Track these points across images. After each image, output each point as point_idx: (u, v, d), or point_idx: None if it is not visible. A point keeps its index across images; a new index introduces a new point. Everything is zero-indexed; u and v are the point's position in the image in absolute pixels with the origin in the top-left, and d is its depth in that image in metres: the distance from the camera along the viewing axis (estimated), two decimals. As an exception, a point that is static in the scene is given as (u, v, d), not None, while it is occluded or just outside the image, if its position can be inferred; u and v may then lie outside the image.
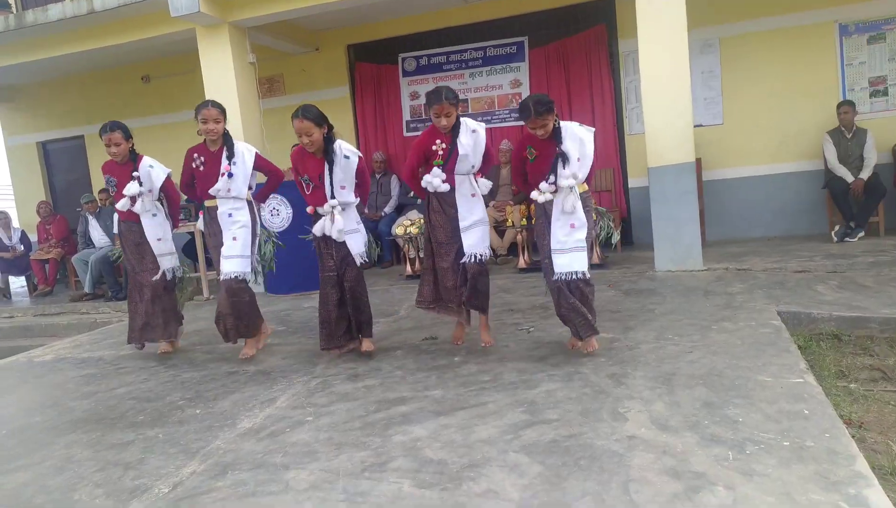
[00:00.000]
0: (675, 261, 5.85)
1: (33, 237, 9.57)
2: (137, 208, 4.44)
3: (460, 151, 3.83)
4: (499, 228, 7.41)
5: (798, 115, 7.17)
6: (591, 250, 3.74)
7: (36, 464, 2.90)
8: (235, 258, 4.22)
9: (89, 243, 8.50)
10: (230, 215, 4.25)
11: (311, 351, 4.40)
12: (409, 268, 7.07)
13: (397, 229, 7.31)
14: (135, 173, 4.40)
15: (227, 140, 4.27)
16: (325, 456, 2.65)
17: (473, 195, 3.96)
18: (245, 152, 4.31)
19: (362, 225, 4.19)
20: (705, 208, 7.12)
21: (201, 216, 4.49)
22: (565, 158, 3.52)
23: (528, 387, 3.23)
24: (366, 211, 8.15)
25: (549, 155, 3.56)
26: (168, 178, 4.60)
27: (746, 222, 7.47)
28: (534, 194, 3.62)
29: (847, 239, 6.47)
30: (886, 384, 3.41)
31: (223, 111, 4.27)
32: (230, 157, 4.21)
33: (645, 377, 3.20)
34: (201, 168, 4.27)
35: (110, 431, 3.23)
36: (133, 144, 4.49)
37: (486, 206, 4.22)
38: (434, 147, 3.87)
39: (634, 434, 2.57)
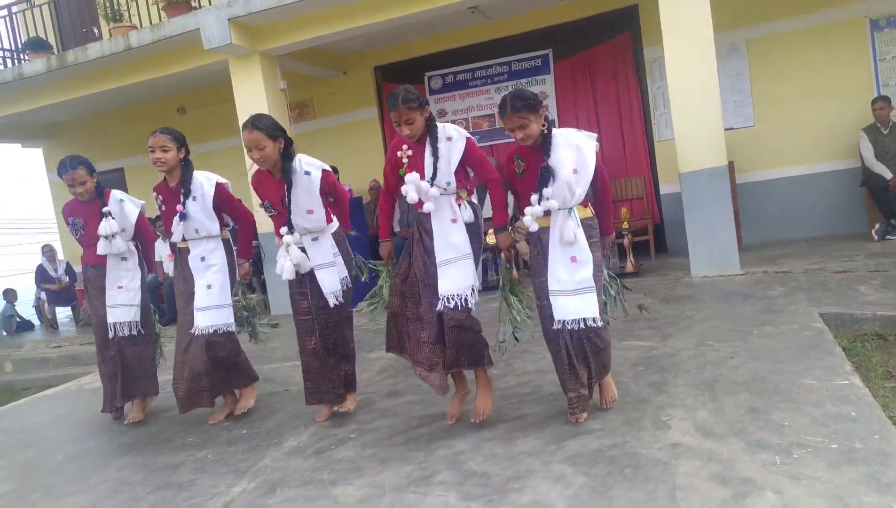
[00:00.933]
0: (711, 266, 5.79)
1: (78, 269, 9.87)
2: (103, 249, 3.83)
3: (427, 162, 3.03)
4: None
5: (832, 113, 7.06)
6: (601, 292, 2.96)
7: (93, 487, 3.00)
8: (212, 310, 3.60)
9: (132, 271, 8.72)
10: (203, 258, 3.66)
11: (351, 369, 4.45)
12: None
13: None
14: (105, 209, 3.85)
15: (184, 173, 3.65)
16: (370, 472, 2.70)
17: (454, 221, 3.06)
18: (204, 183, 3.64)
19: (340, 257, 3.50)
20: (740, 211, 7.03)
21: (171, 259, 3.97)
22: (550, 175, 2.78)
23: (569, 398, 3.23)
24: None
25: (538, 169, 2.84)
26: (141, 213, 4.08)
27: (783, 224, 7.35)
28: (525, 221, 2.89)
29: (888, 237, 6.32)
30: (937, 383, 3.33)
31: (176, 137, 3.64)
32: (186, 194, 3.58)
33: (686, 385, 3.18)
34: (163, 207, 3.71)
35: (161, 453, 3.32)
36: (97, 180, 3.96)
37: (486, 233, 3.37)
38: (399, 154, 3.13)
39: (679, 442, 2.56)
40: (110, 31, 7.57)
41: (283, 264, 3.31)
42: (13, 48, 9.30)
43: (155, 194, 3.76)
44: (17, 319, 9.91)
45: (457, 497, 2.38)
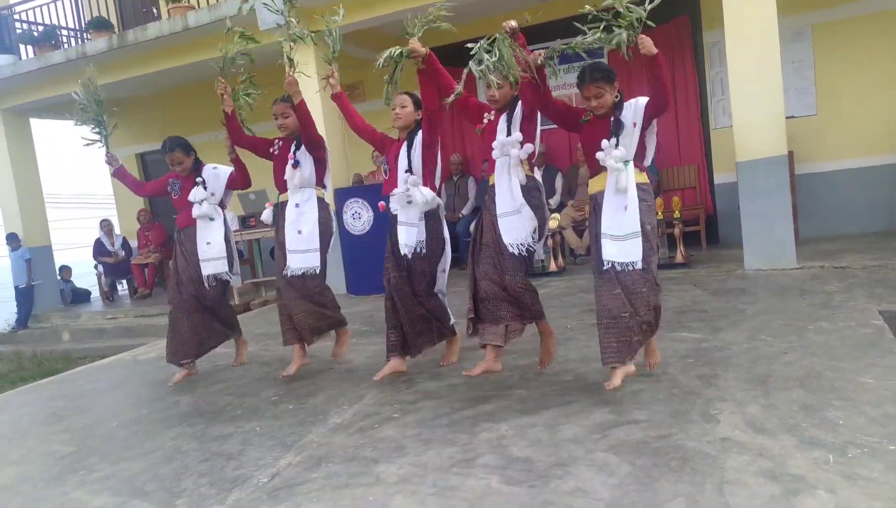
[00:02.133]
0: (766, 259, 5.63)
1: (133, 243, 10.20)
2: (197, 211, 4.33)
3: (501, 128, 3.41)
4: (578, 227, 7.33)
5: (898, 103, 6.75)
6: (657, 251, 3.16)
7: (147, 454, 3.11)
8: (298, 254, 4.01)
9: (185, 247, 8.97)
10: (297, 205, 4.08)
11: (396, 350, 4.49)
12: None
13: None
14: (198, 179, 4.35)
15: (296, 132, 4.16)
16: (413, 451, 2.72)
17: (512, 182, 3.40)
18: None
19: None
20: (798, 203, 6.81)
21: (270, 208, 4.36)
22: (620, 127, 3.03)
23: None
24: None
25: (603, 125, 3.09)
26: (232, 172, 4.46)
27: (843, 218, 7.09)
28: (599, 155, 3.06)
29: (957, 234, 6.04)
30: None
31: (291, 105, 4.06)
32: (298, 145, 4.11)
33: (737, 379, 3.11)
34: (276, 153, 4.24)
35: (212, 424, 3.42)
36: (195, 156, 4.48)
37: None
38: (486, 115, 3.59)
39: (728, 436, 2.50)
40: (169, 11, 7.73)
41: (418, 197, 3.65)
42: (77, 27, 9.61)
43: (276, 140, 4.27)
44: (72, 290, 10.28)
45: (499, 480, 2.38)
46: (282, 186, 4.18)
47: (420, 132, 3.78)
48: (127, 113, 11.07)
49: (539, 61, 3.30)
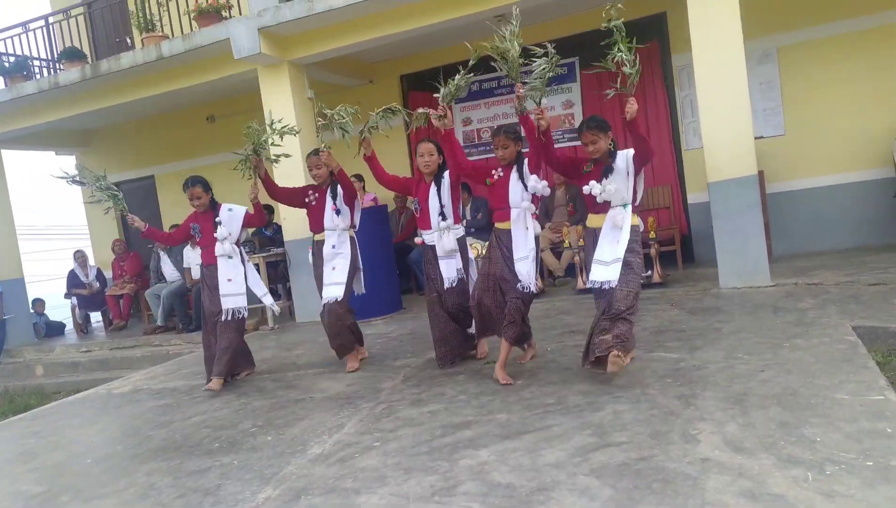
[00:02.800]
0: (740, 277, 5.70)
1: (108, 274, 10.04)
2: (218, 251, 4.75)
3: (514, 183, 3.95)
4: (555, 249, 7.38)
5: (864, 121, 6.92)
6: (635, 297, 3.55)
7: (121, 491, 3.04)
8: (333, 286, 4.71)
9: (161, 277, 8.86)
10: (333, 246, 4.75)
11: (375, 377, 4.47)
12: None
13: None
14: (217, 219, 4.78)
15: (332, 179, 4.79)
16: (394, 481, 2.69)
17: (527, 229, 3.94)
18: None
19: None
20: (770, 221, 6.93)
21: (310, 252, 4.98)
22: (610, 170, 3.57)
23: (594, 409, 3.20)
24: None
25: (600, 171, 3.63)
26: (246, 212, 4.93)
27: (815, 235, 7.22)
28: (595, 189, 3.57)
29: (925, 248, 6.18)
30: (977, 400, 3.23)
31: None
32: (334, 195, 4.76)
33: (715, 398, 3.13)
34: (313, 203, 4.86)
35: (188, 458, 3.35)
36: (212, 195, 4.90)
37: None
38: (493, 172, 4.07)
39: (708, 457, 2.51)
40: (142, 41, 7.71)
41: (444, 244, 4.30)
42: (49, 58, 9.54)
43: (310, 190, 4.89)
44: (45, 323, 10.07)
45: (481, 507, 2.36)
46: (317, 228, 4.85)
47: (445, 175, 4.36)
48: (100, 142, 11.01)
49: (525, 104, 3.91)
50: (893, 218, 6.80)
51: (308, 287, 7.49)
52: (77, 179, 5.00)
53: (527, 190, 3.90)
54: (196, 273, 8.18)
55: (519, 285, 3.88)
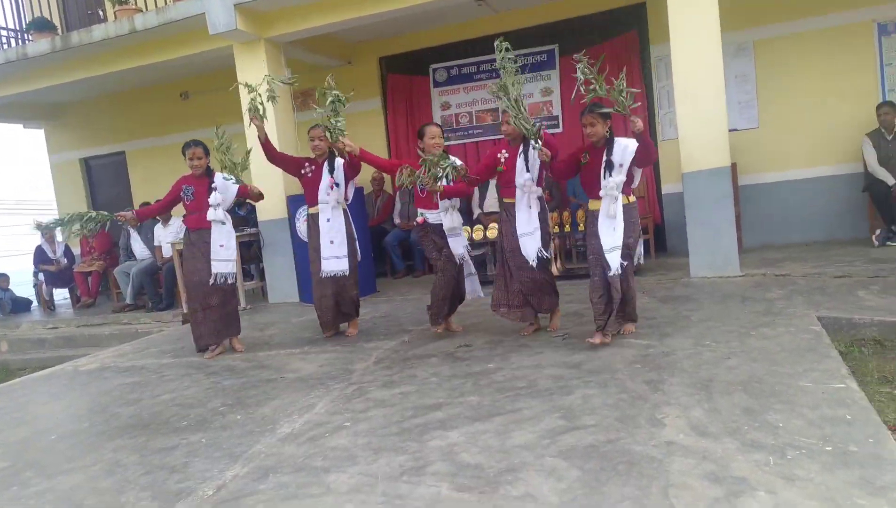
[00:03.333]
0: (711, 267, 5.78)
1: (76, 251, 9.86)
2: (212, 215, 4.84)
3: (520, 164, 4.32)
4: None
5: (836, 117, 7.04)
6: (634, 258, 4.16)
7: (86, 467, 3.00)
8: (332, 260, 4.94)
9: (131, 255, 8.72)
10: (328, 219, 4.94)
11: (347, 358, 4.47)
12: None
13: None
14: (213, 185, 4.87)
15: (330, 153, 4.98)
16: (364, 460, 2.70)
17: (530, 207, 4.33)
18: (338, 162, 4.99)
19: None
20: (742, 213, 7.03)
21: (304, 223, 5.11)
22: (611, 167, 3.90)
23: (564, 393, 3.24)
24: (397, 221, 8.25)
25: (596, 164, 3.98)
26: (240, 185, 4.97)
27: (784, 227, 7.34)
28: (604, 185, 3.94)
29: (889, 243, 6.32)
30: (933, 389, 3.33)
31: (329, 131, 4.76)
32: (331, 169, 4.95)
33: (682, 384, 3.18)
34: (309, 175, 4.99)
35: (155, 436, 3.32)
36: (209, 162, 4.99)
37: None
38: (499, 155, 4.40)
39: (673, 440, 2.56)
40: (115, 14, 7.52)
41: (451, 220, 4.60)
42: (17, 28, 9.28)
43: (306, 163, 5.04)
44: (11, 299, 9.87)
45: (449, 487, 2.38)
46: (312, 201, 5.01)
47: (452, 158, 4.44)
48: (70, 116, 10.76)
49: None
50: (861, 213, 6.95)
51: (282, 268, 7.46)
52: (51, 225, 5.14)
53: (528, 171, 4.28)
54: (167, 251, 8.07)
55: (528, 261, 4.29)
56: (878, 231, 6.47)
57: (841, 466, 2.22)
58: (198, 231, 4.91)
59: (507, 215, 4.42)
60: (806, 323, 4.04)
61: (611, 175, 3.90)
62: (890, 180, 6.38)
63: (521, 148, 4.30)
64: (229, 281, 4.92)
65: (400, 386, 3.69)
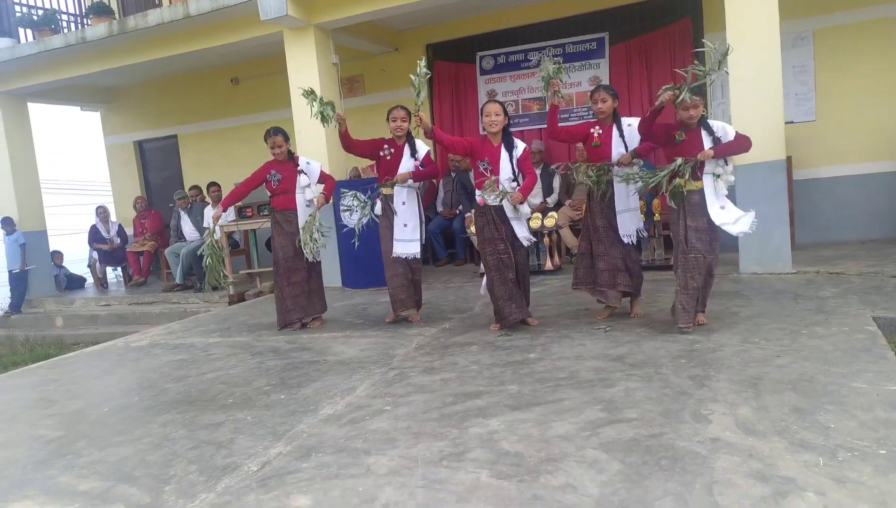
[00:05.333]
0: (761, 263, 5.63)
1: (129, 231, 10.16)
2: (308, 195, 5.12)
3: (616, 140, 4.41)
4: (574, 226, 7.33)
5: (897, 111, 6.75)
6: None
7: (136, 440, 3.10)
8: (404, 242, 5.01)
9: (181, 236, 8.95)
10: (403, 202, 5.01)
11: (388, 344, 4.50)
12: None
13: (471, 228, 7.33)
14: (300, 168, 5.14)
15: (409, 139, 5.00)
16: (403, 444, 2.72)
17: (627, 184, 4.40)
18: (422, 150, 5.05)
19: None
20: (795, 208, 6.82)
21: (378, 202, 5.08)
22: (718, 144, 3.97)
23: (606, 386, 3.20)
24: (440, 209, 8.24)
25: (695, 141, 4.00)
26: (322, 169, 5.31)
27: (840, 225, 7.10)
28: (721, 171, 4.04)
29: (952, 243, 6.06)
30: None
31: (409, 113, 4.86)
32: (412, 151, 4.98)
33: (729, 381, 3.11)
34: (388, 157, 4.98)
35: (202, 412, 3.41)
36: (288, 147, 5.18)
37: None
38: (592, 131, 4.44)
39: (718, 437, 2.50)
40: (170, -1, 7.70)
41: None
42: (77, 12, 9.56)
43: (385, 144, 5.00)
44: (66, 276, 10.24)
45: (489, 474, 2.38)
46: (386, 181, 5.00)
47: (517, 142, 4.58)
48: (125, 99, 11.05)
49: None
50: (922, 211, 6.67)
51: (325, 252, 7.54)
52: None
53: (625, 148, 4.37)
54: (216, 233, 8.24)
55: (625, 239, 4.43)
56: (940, 230, 6.20)
57: (895, 470, 2.14)
58: (283, 211, 5.14)
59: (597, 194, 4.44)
60: (861, 323, 3.90)
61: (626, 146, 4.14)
62: (955, 177, 6.10)
63: (614, 126, 4.36)
64: (317, 258, 5.17)
65: (440, 373, 3.70)
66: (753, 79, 5.53)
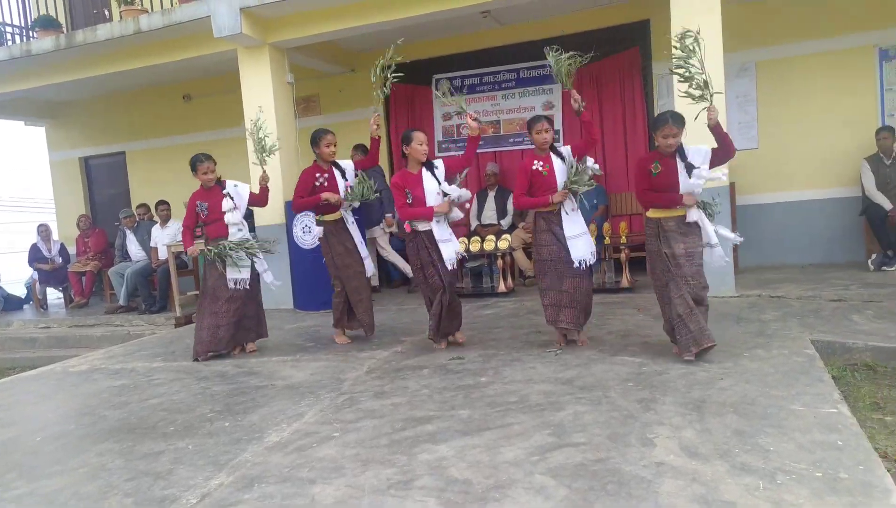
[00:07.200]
0: (706, 286, 5.76)
1: (72, 250, 9.83)
2: (229, 218, 4.97)
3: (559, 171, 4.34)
4: (528, 249, 7.40)
5: (836, 140, 7.06)
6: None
7: (70, 471, 2.97)
8: (367, 259, 5.12)
9: (126, 256, 8.70)
10: (352, 222, 5.12)
11: (339, 367, 4.44)
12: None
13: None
14: (225, 191, 5.00)
15: (333, 162, 5.08)
16: (351, 472, 2.67)
17: (573, 209, 4.38)
18: (348, 167, 5.16)
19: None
20: (738, 233, 7.02)
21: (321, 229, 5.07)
22: (691, 168, 3.87)
23: (555, 409, 3.22)
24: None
25: (671, 170, 3.90)
26: (251, 191, 5.18)
27: (781, 249, 7.34)
28: (696, 179, 3.88)
29: (884, 268, 6.32)
30: (926, 417, 3.31)
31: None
32: (343, 174, 5.07)
33: (675, 403, 3.16)
34: (325, 183, 4.99)
35: (142, 441, 3.29)
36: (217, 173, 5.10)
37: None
38: (535, 166, 4.32)
39: (663, 461, 2.53)
40: (121, 14, 7.55)
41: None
42: (23, 25, 9.29)
43: (318, 174, 5.01)
44: (3, 296, 9.82)
45: (437, 502, 2.35)
46: (330, 209, 5.03)
47: (436, 163, 4.64)
48: (72, 115, 10.76)
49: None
50: (857, 236, 6.95)
51: (277, 274, 7.43)
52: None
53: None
54: (163, 253, 8.05)
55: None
56: (874, 256, 6.48)
57: (830, 493, 2.20)
58: (216, 240, 5.00)
59: (545, 225, 4.35)
60: (800, 346, 4.02)
61: (692, 177, 3.87)
62: (887, 205, 6.39)
63: (552, 155, 4.34)
64: (246, 286, 5.00)
65: (391, 397, 3.66)
66: (698, 107, 5.67)
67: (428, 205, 4.51)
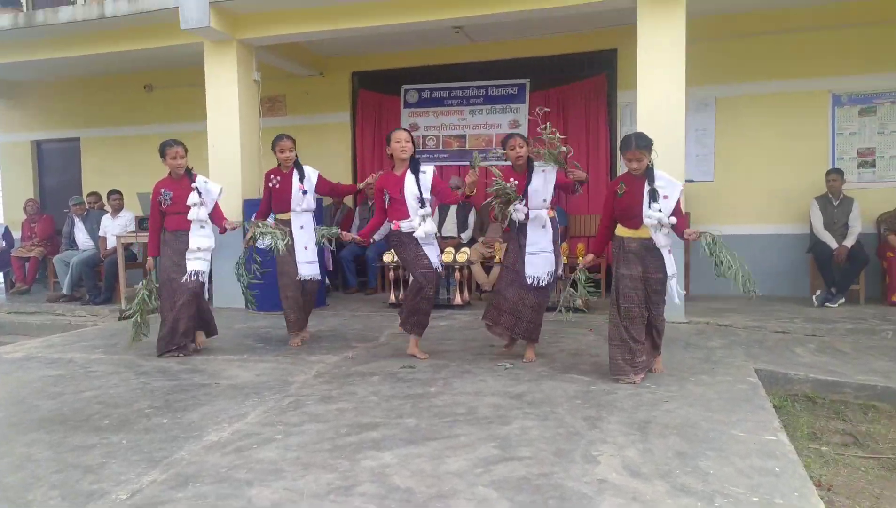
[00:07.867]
0: (657, 311, 5.86)
1: (17, 235, 9.46)
2: (193, 214, 4.79)
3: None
4: (486, 264, 7.42)
5: (787, 178, 7.29)
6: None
7: (-7, 460, 2.83)
8: (308, 264, 5.10)
9: (73, 244, 8.42)
10: (302, 226, 5.09)
11: (287, 370, 4.36)
12: (392, 296, 7.04)
13: (386, 257, 7.30)
14: (194, 185, 4.82)
15: (297, 163, 5.12)
16: (290, 475, 2.61)
17: (543, 227, 4.40)
18: (311, 173, 5.18)
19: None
20: (690, 261, 7.18)
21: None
22: (655, 195, 3.83)
23: (503, 423, 3.21)
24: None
25: (637, 192, 3.87)
26: (219, 195, 5.04)
27: (730, 279, 7.50)
28: (652, 218, 3.87)
29: (827, 304, 6.53)
30: (857, 449, 3.41)
31: (294, 142, 5.12)
32: (301, 177, 5.08)
33: (620, 423, 3.19)
34: (277, 186, 5.08)
35: (73, 433, 3.16)
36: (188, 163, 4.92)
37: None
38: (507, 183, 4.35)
39: (605, 478, 2.55)
40: (85, -4, 7.36)
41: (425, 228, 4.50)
42: (-20, -1, 8.95)
43: (272, 175, 5.14)
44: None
45: (376, 510, 2.31)
46: (281, 208, 5.12)
47: (424, 167, 4.61)
48: (27, 96, 10.40)
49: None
50: (803, 272, 7.17)
51: (230, 272, 7.28)
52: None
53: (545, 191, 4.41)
54: (111, 243, 7.81)
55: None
56: (818, 292, 6.68)
57: (766, 517, 2.24)
58: (174, 232, 4.83)
59: (514, 234, 4.46)
60: (743, 374, 4.11)
61: (654, 203, 3.84)
62: (833, 244, 6.61)
63: (530, 173, 4.38)
64: (202, 279, 4.87)
65: (338, 402, 3.60)
66: (660, 137, 5.73)
67: (408, 207, 4.48)
